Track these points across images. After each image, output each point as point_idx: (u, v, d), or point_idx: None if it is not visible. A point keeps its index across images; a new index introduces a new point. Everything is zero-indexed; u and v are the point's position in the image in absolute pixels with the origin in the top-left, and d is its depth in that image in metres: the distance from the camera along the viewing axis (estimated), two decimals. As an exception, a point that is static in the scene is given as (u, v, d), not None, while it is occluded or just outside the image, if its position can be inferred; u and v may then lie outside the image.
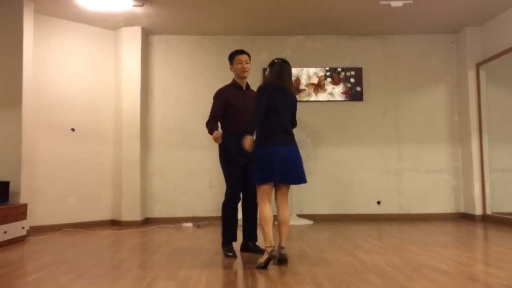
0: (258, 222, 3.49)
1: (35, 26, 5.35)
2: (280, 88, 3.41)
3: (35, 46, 5.35)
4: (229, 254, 3.67)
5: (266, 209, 3.29)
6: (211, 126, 3.75)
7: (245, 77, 3.84)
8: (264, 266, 3.19)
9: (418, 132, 6.51)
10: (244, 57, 3.79)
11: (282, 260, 3.31)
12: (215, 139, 3.60)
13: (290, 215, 6.08)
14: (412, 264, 3.26)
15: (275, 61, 3.52)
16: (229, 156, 3.71)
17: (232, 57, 3.85)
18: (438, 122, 6.53)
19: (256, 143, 3.36)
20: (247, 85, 3.90)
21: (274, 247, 3.21)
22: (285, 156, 3.29)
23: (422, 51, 6.61)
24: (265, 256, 3.21)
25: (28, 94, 5.05)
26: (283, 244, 3.34)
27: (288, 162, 3.29)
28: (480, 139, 6.15)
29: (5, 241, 4.36)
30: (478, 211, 6.10)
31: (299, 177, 3.35)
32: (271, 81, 3.44)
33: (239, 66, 3.78)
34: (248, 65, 3.81)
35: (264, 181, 3.29)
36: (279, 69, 3.46)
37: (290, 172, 3.30)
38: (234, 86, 3.85)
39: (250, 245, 3.85)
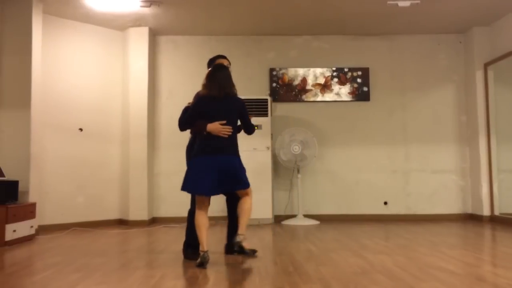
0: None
1: (43, 27, 5.39)
2: (214, 97, 3.35)
3: (43, 46, 5.39)
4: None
5: (199, 216, 3.30)
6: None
7: None
8: (199, 266, 3.22)
9: (425, 133, 6.48)
10: (225, 61, 3.74)
11: (235, 247, 3.29)
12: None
13: (296, 215, 6.09)
14: (419, 265, 3.25)
15: (211, 67, 3.51)
16: None
17: (212, 62, 3.79)
18: (446, 123, 6.51)
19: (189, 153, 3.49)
20: None
21: (206, 251, 3.22)
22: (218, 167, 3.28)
23: (429, 51, 6.58)
24: (198, 260, 3.23)
25: (36, 94, 5.09)
26: (239, 232, 3.32)
27: (222, 173, 3.28)
28: (488, 140, 6.11)
29: (14, 240, 4.40)
30: (486, 212, 6.06)
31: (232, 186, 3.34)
32: (203, 91, 3.41)
33: None
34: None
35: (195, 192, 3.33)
36: (211, 77, 3.40)
37: (225, 181, 3.30)
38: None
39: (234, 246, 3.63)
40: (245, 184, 3.40)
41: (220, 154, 3.30)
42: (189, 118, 3.39)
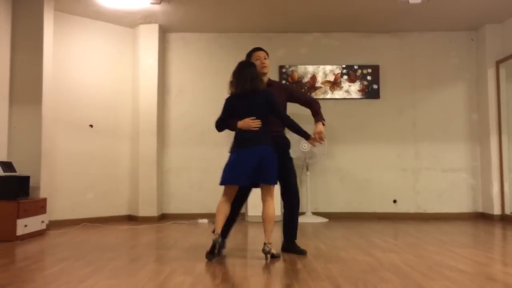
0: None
1: (55, 24, 5.44)
2: (239, 94, 3.45)
3: (55, 43, 5.44)
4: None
5: (222, 204, 3.43)
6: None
7: (265, 73, 3.73)
8: (210, 252, 3.31)
9: (435, 131, 6.43)
10: (262, 54, 3.76)
11: (265, 256, 3.37)
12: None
13: (305, 212, 6.08)
14: (429, 263, 3.23)
15: (237, 66, 3.58)
16: None
17: (249, 55, 3.82)
18: (457, 121, 6.45)
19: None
20: (269, 82, 3.78)
21: (219, 236, 3.30)
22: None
23: (440, 49, 6.52)
24: (211, 244, 3.32)
25: (48, 91, 5.14)
26: (267, 241, 3.35)
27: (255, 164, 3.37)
28: (499, 138, 6.05)
29: (25, 235, 4.45)
30: (497, 211, 6.01)
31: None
32: (232, 92, 3.53)
33: (258, 62, 3.70)
34: (266, 61, 3.74)
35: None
36: (234, 76, 3.53)
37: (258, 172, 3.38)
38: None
39: (290, 245, 3.72)
40: (271, 180, 3.41)
41: (252, 146, 3.39)
42: (220, 120, 3.59)
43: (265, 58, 3.75)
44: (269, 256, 3.36)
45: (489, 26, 6.20)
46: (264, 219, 3.39)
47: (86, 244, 4.20)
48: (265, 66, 3.74)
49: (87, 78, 5.91)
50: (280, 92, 3.69)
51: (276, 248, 3.62)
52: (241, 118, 3.44)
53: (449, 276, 2.85)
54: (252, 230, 5.14)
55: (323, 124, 3.62)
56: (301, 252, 3.63)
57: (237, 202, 3.63)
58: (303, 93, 3.79)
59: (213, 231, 3.38)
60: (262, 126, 3.43)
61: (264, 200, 3.44)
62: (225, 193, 3.48)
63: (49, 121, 5.21)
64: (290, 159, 3.76)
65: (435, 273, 2.94)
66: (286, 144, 3.75)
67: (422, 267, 3.12)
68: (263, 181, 3.40)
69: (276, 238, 4.14)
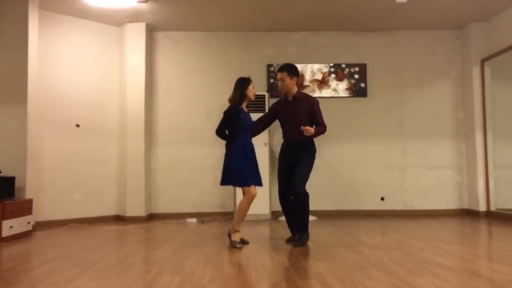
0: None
1: (40, 23, 5.37)
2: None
3: (40, 42, 5.37)
4: (286, 240, 4.12)
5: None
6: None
7: (285, 92, 4.16)
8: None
9: (422, 128, 6.49)
10: (279, 76, 4.11)
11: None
12: None
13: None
14: (415, 260, 3.27)
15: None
16: (278, 159, 4.27)
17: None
18: (443, 118, 6.52)
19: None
20: (296, 95, 4.11)
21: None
22: None
23: (427, 47, 6.58)
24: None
25: (33, 90, 5.08)
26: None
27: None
28: (485, 135, 6.13)
29: (11, 236, 4.39)
30: (482, 207, 6.09)
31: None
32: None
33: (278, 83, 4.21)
34: (280, 83, 4.11)
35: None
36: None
37: None
38: (283, 99, 4.24)
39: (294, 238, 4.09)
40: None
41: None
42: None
43: (281, 80, 4.10)
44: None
45: (474, 24, 6.27)
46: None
47: (73, 245, 4.17)
48: (281, 88, 4.18)
49: (73, 77, 5.86)
50: (303, 105, 4.10)
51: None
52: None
53: (435, 272, 2.89)
54: (242, 228, 5.12)
55: (313, 132, 3.94)
56: (299, 244, 3.92)
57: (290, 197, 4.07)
58: (321, 115, 4.15)
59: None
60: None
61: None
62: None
63: (35, 120, 5.15)
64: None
65: (421, 269, 2.97)
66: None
67: (409, 263, 3.15)
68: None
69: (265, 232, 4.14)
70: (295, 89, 4.12)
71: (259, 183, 3.96)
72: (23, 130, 4.92)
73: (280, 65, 4.21)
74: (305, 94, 4.23)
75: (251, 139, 4.07)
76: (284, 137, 4.19)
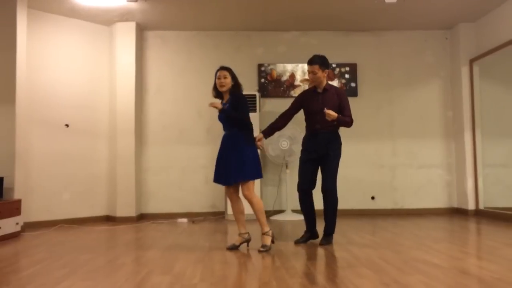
0: (260, 212, 3.78)
1: (28, 22, 5.31)
2: None
3: (28, 41, 5.32)
4: (296, 241, 4.09)
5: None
6: (272, 122, 4.22)
7: (314, 84, 4.11)
8: (270, 248, 3.71)
9: (412, 128, 6.54)
10: (310, 68, 4.04)
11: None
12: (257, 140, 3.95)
13: (285, 210, 6.11)
14: (405, 258, 3.29)
15: None
16: (302, 152, 4.16)
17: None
18: (432, 118, 6.57)
19: (250, 143, 3.84)
20: (326, 87, 4.06)
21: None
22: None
23: (416, 47, 6.63)
24: (269, 240, 3.73)
25: (21, 90, 5.03)
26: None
27: None
28: (473, 135, 6.19)
29: (-1, 237, 4.35)
30: (471, 206, 6.14)
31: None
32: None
33: (308, 78, 4.20)
34: (311, 75, 4.04)
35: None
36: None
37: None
38: (311, 90, 4.17)
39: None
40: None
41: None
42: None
43: (312, 73, 4.04)
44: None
45: (463, 25, 6.32)
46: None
47: (62, 245, 4.13)
48: (312, 81, 4.13)
49: (62, 76, 5.81)
50: (333, 97, 4.04)
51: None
52: None
53: (424, 270, 2.91)
54: (232, 228, 5.13)
55: (336, 117, 3.85)
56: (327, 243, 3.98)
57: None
58: (349, 108, 4.09)
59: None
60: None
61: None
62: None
63: (23, 120, 5.10)
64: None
65: (411, 267, 2.99)
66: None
67: (398, 262, 3.17)
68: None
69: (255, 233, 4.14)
70: (325, 81, 4.07)
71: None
72: (11, 130, 4.87)
73: (310, 58, 4.08)
74: (334, 86, 4.22)
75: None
76: (310, 129, 4.08)
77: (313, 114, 4.03)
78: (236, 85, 3.86)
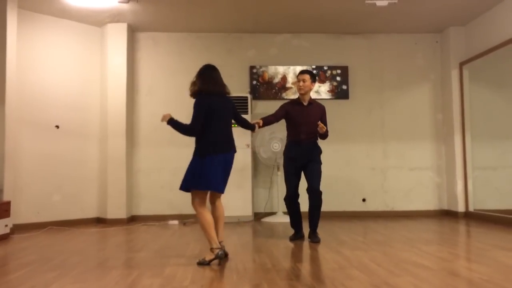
0: (201, 227, 3.36)
1: (18, 22, 5.27)
2: (218, 94, 3.53)
3: (18, 42, 5.27)
4: (290, 238, 4.38)
5: (207, 214, 3.33)
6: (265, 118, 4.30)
7: (302, 94, 4.33)
8: (207, 263, 3.24)
9: (403, 130, 6.58)
10: (301, 76, 4.31)
11: (225, 255, 3.39)
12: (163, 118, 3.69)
13: (276, 212, 6.12)
14: (395, 260, 3.31)
15: (205, 67, 3.68)
16: (286, 160, 4.39)
17: (297, 75, 4.42)
18: (423, 120, 6.62)
19: (196, 153, 3.53)
20: (310, 101, 4.39)
21: (220, 248, 3.25)
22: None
23: (407, 50, 6.68)
24: (211, 256, 3.23)
25: (11, 90, 4.99)
26: (222, 239, 3.43)
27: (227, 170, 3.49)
28: (463, 137, 6.24)
29: (-13, 239, 4.31)
30: (461, 208, 6.19)
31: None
32: (208, 88, 3.50)
33: (296, 84, 4.37)
34: (301, 83, 4.28)
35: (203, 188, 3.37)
36: (215, 74, 3.61)
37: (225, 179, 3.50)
38: (296, 102, 4.42)
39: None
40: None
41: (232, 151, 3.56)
42: (201, 119, 3.65)
43: (303, 81, 4.30)
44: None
45: (453, 28, 6.38)
46: (220, 218, 3.48)
47: (52, 248, 4.10)
48: (301, 88, 4.32)
49: (52, 77, 5.77)
50: (316, 111, 4.38)
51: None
52: (219, 119, 3.48)
53: (414, 272, 2.93)
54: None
55: (326, 132, 4.30)
56: (318, 241, 4.19)
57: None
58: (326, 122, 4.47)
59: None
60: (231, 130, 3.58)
61: (218, 200, 3.54)
62: (202, 201, 3.37)
63: (13, 121, 5.05)
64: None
65: (401, 269, 3.01)
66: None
67: (388, 264, 3.19)
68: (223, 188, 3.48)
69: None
70: (309, 95, 4.40)
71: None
72: (1, 131, 4.82)
73: (304, 69, 4.47)
74: (316, 101, 4.54)
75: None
76: (294, 138, 4.35)
77: (298, 125, 4.32)
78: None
